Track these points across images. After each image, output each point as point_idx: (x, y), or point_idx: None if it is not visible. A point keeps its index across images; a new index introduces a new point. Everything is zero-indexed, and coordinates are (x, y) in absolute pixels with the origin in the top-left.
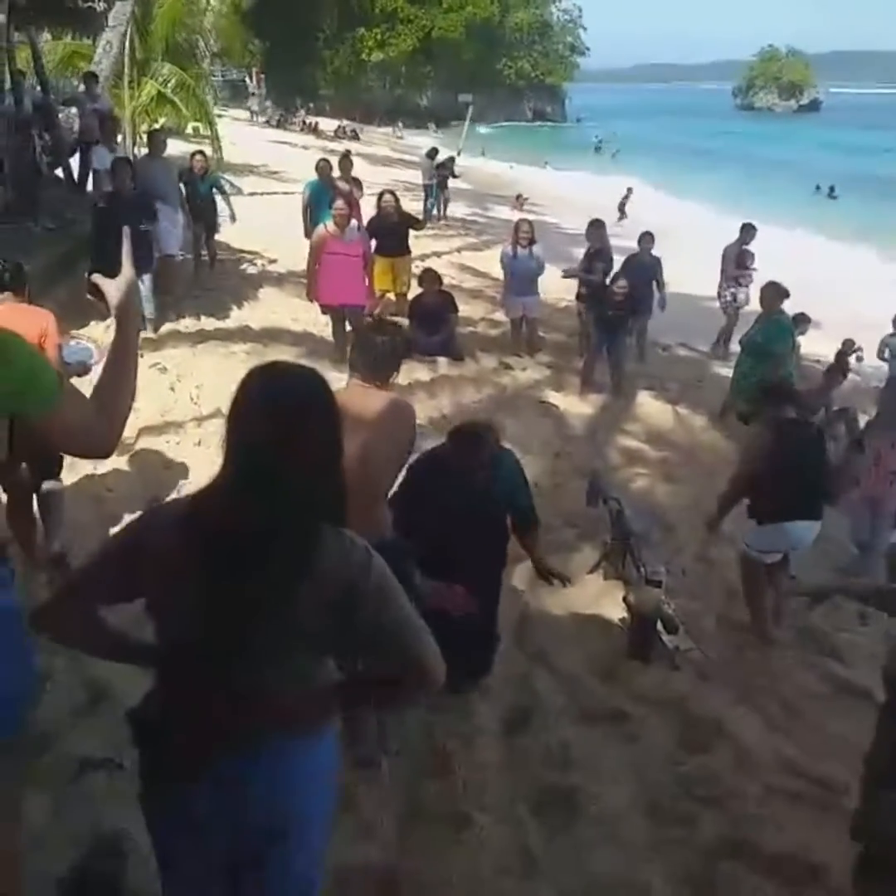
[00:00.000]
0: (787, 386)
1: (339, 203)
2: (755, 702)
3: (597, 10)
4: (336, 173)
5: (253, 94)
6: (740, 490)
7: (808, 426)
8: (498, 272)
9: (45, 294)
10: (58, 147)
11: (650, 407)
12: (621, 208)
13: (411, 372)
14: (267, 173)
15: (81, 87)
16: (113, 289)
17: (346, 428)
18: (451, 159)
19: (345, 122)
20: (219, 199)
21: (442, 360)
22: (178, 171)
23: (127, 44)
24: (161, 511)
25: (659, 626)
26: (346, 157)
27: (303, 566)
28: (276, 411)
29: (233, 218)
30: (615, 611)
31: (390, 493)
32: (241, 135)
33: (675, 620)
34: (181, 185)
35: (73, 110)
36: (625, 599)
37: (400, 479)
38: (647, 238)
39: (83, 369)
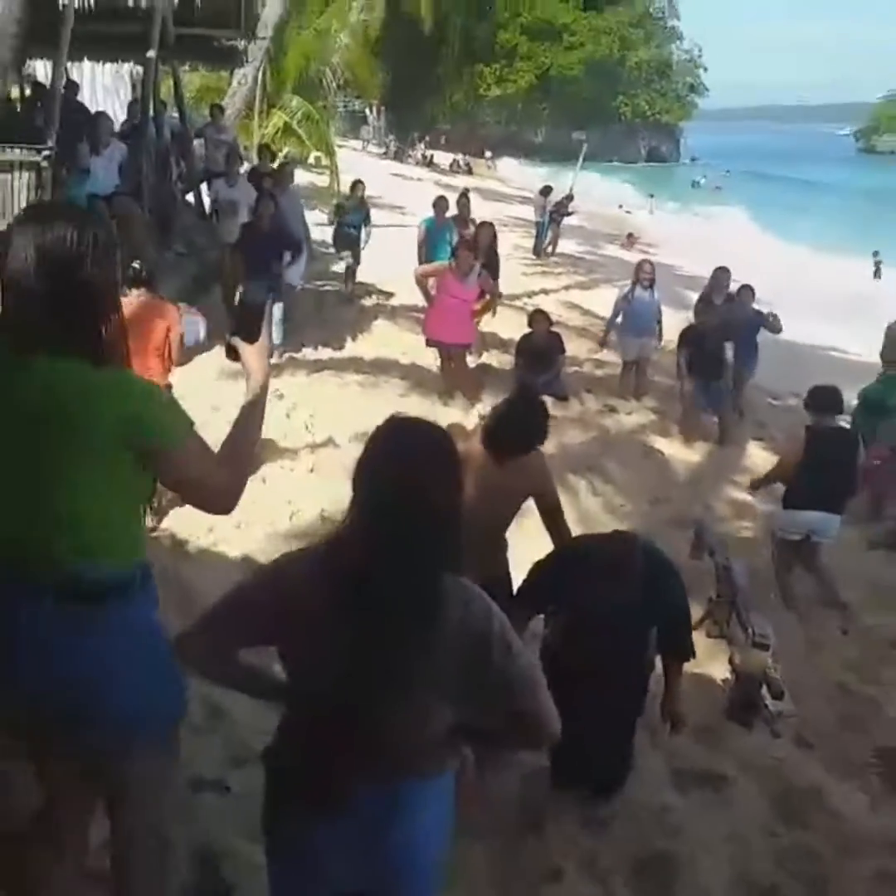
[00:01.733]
0: (831, 393)
1: (465, 253)
2: (859, 775)
3: (716, 49)
4: (453, 211)
5: (372, 125)
6: (776, 476)
7: (843, 432)
8: (604, 311)
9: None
10: (190, 175)
11: (757, 457)
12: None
13: None
14: (385, 206)
15: (209, 119)
16: (251, 355)
17: (471, 478)
18: (569, 197)
19: (459, 156)
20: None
21: (547, 399)
22: (338, 203)
23: (259, 78)
24: (296, 559)
25: (763, 689)
26: (464, 196)
27: (432, 615)
28: (403, 465)
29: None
30: (717, 670)
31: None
32: (360, 166)
33: (781, 685)
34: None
35: (201, 140)
36: (730, 661)
37: (541, 563)
38: (746, 292)
39: (198, 346)
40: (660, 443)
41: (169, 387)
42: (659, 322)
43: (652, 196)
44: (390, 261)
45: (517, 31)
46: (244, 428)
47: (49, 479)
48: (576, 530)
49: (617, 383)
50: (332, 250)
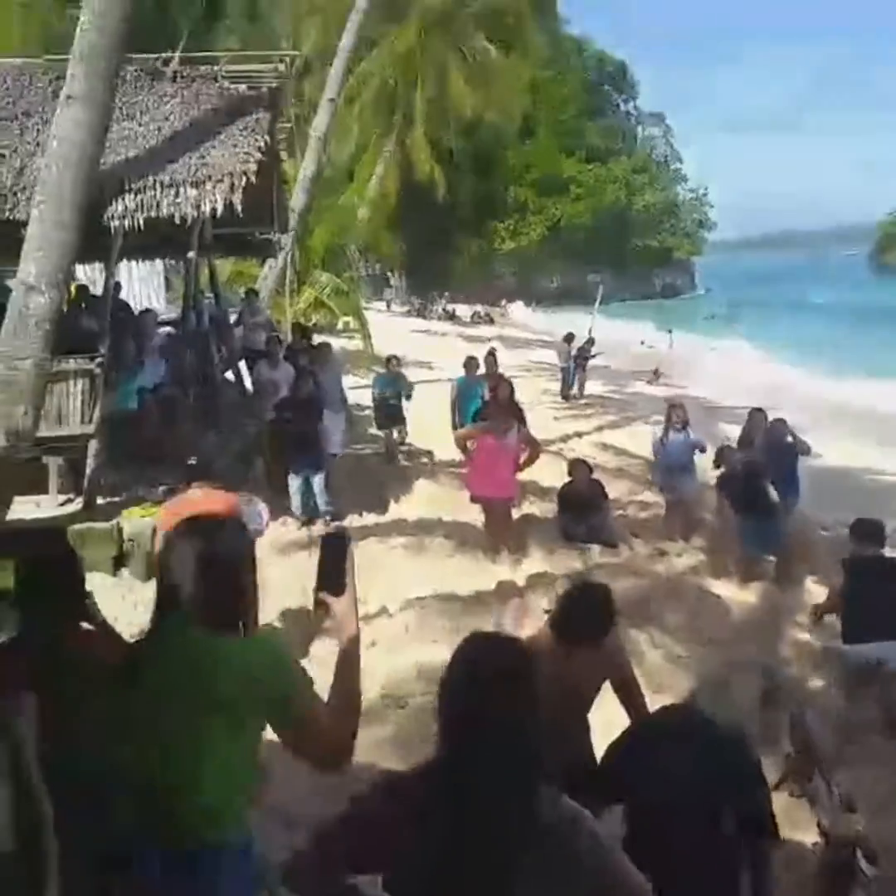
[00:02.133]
0: (871, 525)
1: (500, 411)
2: None
3: (725, 180)
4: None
5: (394, 286)
6: (828, 608)
7: (884, 560)
8: (641, 449)
9: (227, 490)
10: (230, 358)
11: (816, 594)
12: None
13: (565, 560)
14: (412, 363)
15: (243, 302)
16: (341, 608)
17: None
18: (591, 341)
19: (479, 307)
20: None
21: (595, 547)
22: (376, 378)
23: (289, 260)
24: (393, 783)
25: (858, 854)
26: (491, 355)
27: (525, 829)
28: (479, 683)
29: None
30: (802, 833)
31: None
32: (385, 326)
33: (874, 847)
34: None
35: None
36: (819, 825)
37: (614, 745)
38: (780, 425)
39: (257, 532)
40: (715, 585)
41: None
42: (696, 460)
43: (670, 331)
44: (423, 417)
45: (526, 187)
46: (345, 685)
47: (184, 743)
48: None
49: (662, 524)
50: (366, 412)
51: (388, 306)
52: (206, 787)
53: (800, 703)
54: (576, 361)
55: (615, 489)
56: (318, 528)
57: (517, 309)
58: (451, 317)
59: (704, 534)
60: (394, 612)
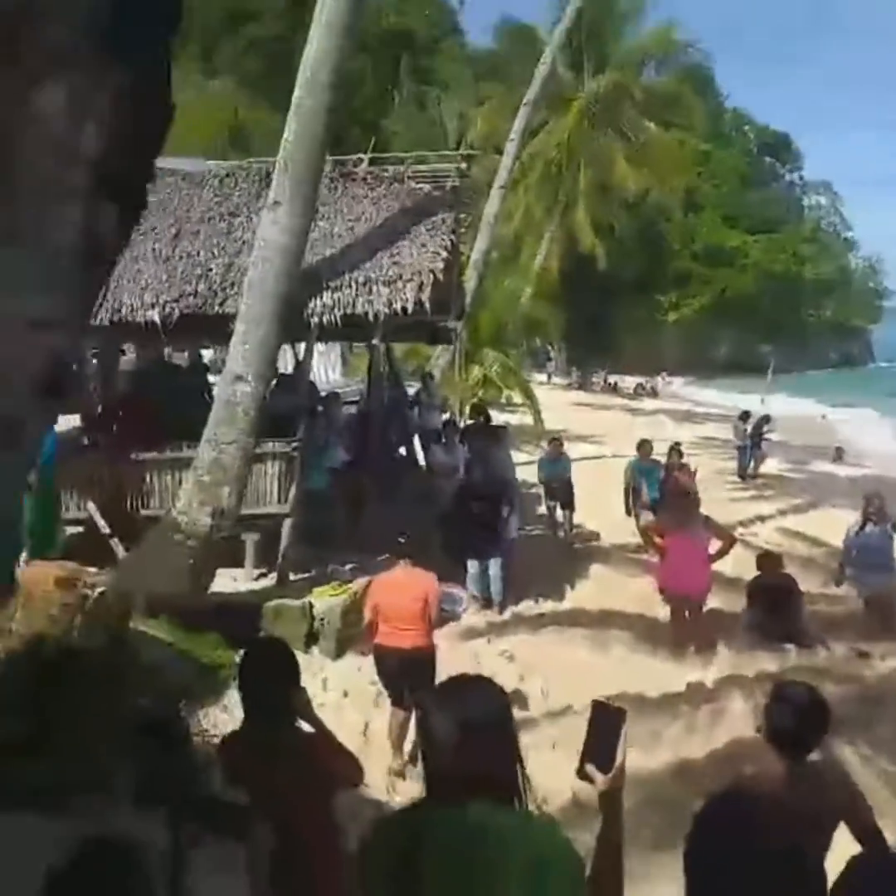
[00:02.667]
0: None
1: (683, 501)
2: None
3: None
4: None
5: (554, 359)
6: None
7: None
8: (827, 536)
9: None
10: (407, 439)
11: None
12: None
13: (757, 662)
14: (576, 438)
15: (420, 384)
16: (605, 785)
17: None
18: (766, 418)
19: (643, 379)
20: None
21: (789, 647)
22: (540, 460)
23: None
24: None
25: None
26: (674, 450)
27: None
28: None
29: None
30: None
31: None
32: (545, 399)
33: None
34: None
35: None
36: None
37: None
38: None
39: (454, 615)
40: None
41: (433, 648)
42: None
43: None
44: (591, 497)
45: (689, 258)
46: (605, 859)
47: None
48: None
49: (860, 620)
50: (534, 490)
51: (549, 379)
52: None
53: None
54: (752, 439)
55: (805, 582)
56: (492, 615)
57: (691, 383)
58: (614, 389)
59: None
60: (579, 710)
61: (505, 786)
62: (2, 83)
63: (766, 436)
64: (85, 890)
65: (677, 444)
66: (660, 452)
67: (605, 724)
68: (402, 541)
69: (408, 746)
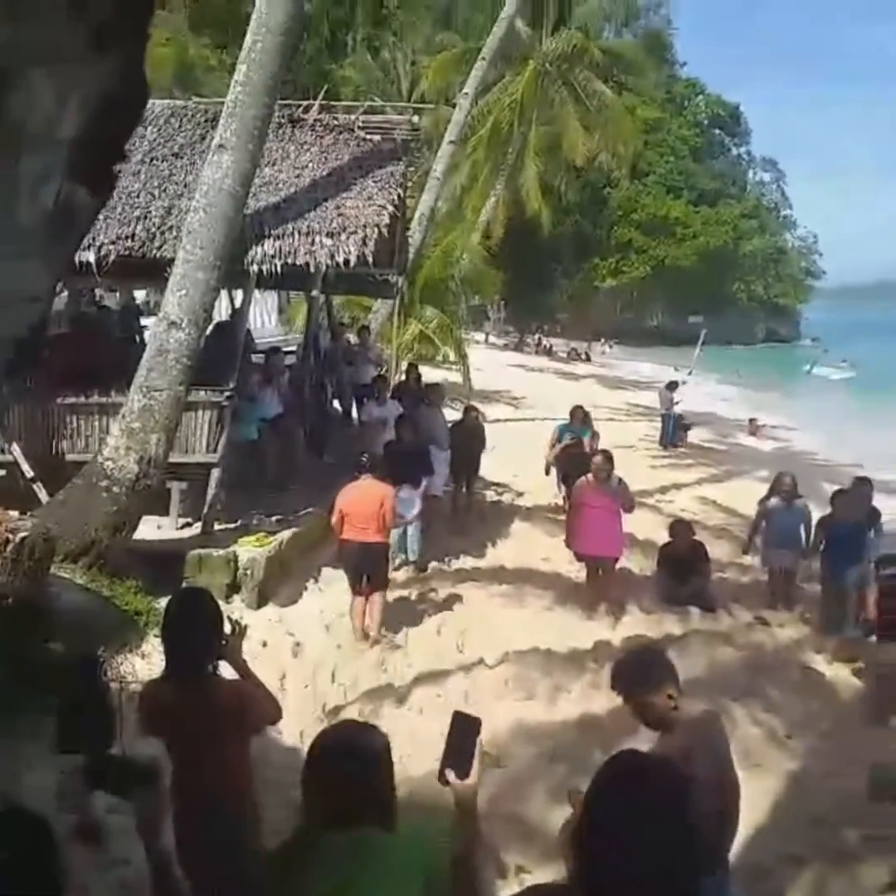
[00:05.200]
0: None
1: (600, 459)
2: None
3: (837, 228)
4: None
5: (492, 319)
6: None
7: None
8: (742, 507)
9: None
10: (341, 392)
11: None
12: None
13: (661, 624)
14: (509, 400)
15: (354, 339)
16: (462, 790)
17: None
18: (673, 384)
19: (577, 344)
20: None
21: (694, 611)
22: (452, 426)
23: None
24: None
25: None
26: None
27: None
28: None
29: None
30: None
31: None
32: (481, 359)
33: None
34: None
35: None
36: None
37: None
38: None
39: (406, 520)
40: (818, 662)
41: (387, 543)
42: (807, 531)
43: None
44: (519, 458)
45: (631, 226)
46: (462, 867)
47: None
48: (737, 766)
49: (765, 590)
50: None
51: (487, 338)
52: None
53: None
54: (671, 408)
55: (717, 550)
56: (406, 572)
57: (623, 351)
58: (548, 352)
59: (808, 605)
60: (491, 663)
61: (384, 813)
62: None
63: (676, 403)
64: None
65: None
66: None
67: (464, 731)
68: (364, 459)
69: (368, 622)
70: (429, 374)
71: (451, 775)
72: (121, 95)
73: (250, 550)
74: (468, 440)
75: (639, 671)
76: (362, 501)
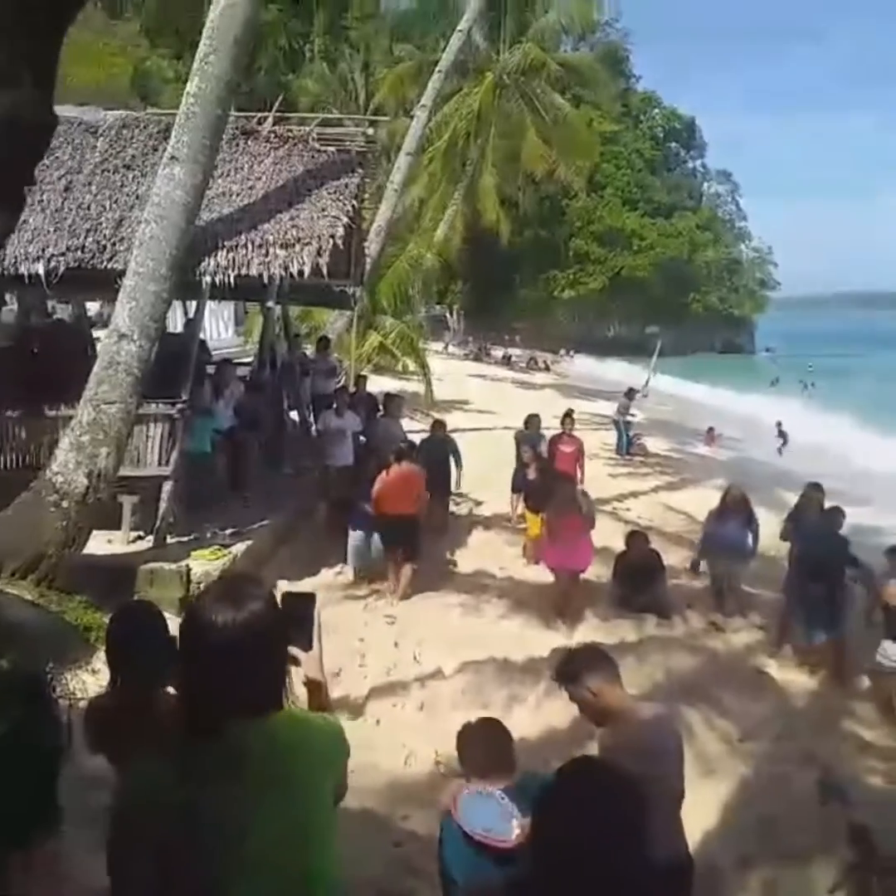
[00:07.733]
0: None
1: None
2: None
3: (791, 238)
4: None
5: (452, 329)
6: None
7: None
8: (697, 513)
9: (290, 534)
10: (298, 403)
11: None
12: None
13: (617, 630)
14: (471, 410)
15: (312, 350)
16: (309, 660)
17: None
18: (630, 392)
19: (537, 354)
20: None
21: (649, 617)
22: (423, 442)
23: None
24: None
25: None
26: (568, 416)
27: None
28: None
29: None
30: None
31: None
32: (443, 369)
33: None
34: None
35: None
36: None
37: None
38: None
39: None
40: (771, 666)
41: (418, 515)
42: (755, 540)
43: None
44: (479, 468)
45: (588, 238)
46: None
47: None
48: (691, 770)
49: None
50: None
51: (446, 348)
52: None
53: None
54: (626, 418)
55: (672, 557)
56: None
57: (582, 361)
58: (508, 362)
59: (762, 611)
60: (448, 674)
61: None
62: None
63: (632, 412)
64: None
65: (571, 410)
66: (548, 426)
67: (300, 610)
68: (403, 447)
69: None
70: (389, 384)
71: (296, 651)
72: (28, 122)
73: (204, 564)
74: (436, 456)
75: (563, 666)
76: (396, 484)
